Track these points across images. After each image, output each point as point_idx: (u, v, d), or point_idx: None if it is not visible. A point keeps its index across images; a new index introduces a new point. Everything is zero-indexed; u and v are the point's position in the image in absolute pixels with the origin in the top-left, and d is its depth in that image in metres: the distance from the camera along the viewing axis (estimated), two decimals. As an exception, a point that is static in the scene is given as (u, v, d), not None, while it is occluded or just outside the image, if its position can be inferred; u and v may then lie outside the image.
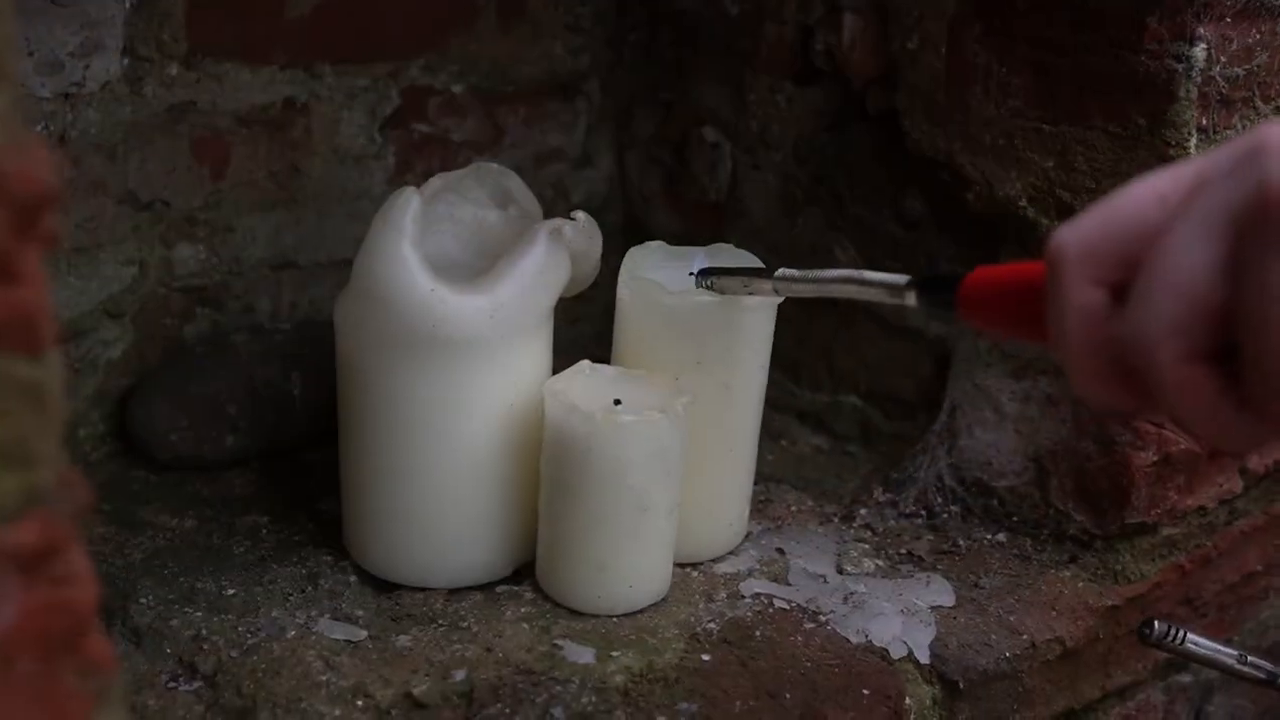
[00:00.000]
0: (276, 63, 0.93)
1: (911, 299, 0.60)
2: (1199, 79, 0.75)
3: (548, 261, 0.74)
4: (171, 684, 0.70)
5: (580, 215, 0.77)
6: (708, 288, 0.76)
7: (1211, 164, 0.42)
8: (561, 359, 0.79)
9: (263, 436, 0.91)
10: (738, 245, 0.83)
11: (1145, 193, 0.44)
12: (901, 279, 0.62)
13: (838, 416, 1.00)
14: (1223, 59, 0.76)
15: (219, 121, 0.93)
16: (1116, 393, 0.44)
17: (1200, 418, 0.41)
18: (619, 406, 0.73)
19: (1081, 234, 0.44)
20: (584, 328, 1.12)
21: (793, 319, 0.80)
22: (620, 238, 1.08)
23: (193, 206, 0.93)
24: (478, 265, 0.78)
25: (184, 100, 0.90)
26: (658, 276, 0.78)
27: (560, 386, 0.74)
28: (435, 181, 0.79)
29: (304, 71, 0.95)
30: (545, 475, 0.75)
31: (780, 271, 0.73)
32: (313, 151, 0.97)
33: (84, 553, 0.47)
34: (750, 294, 0.75)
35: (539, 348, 0.77)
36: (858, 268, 0.68)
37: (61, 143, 0.85)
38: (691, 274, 0.78)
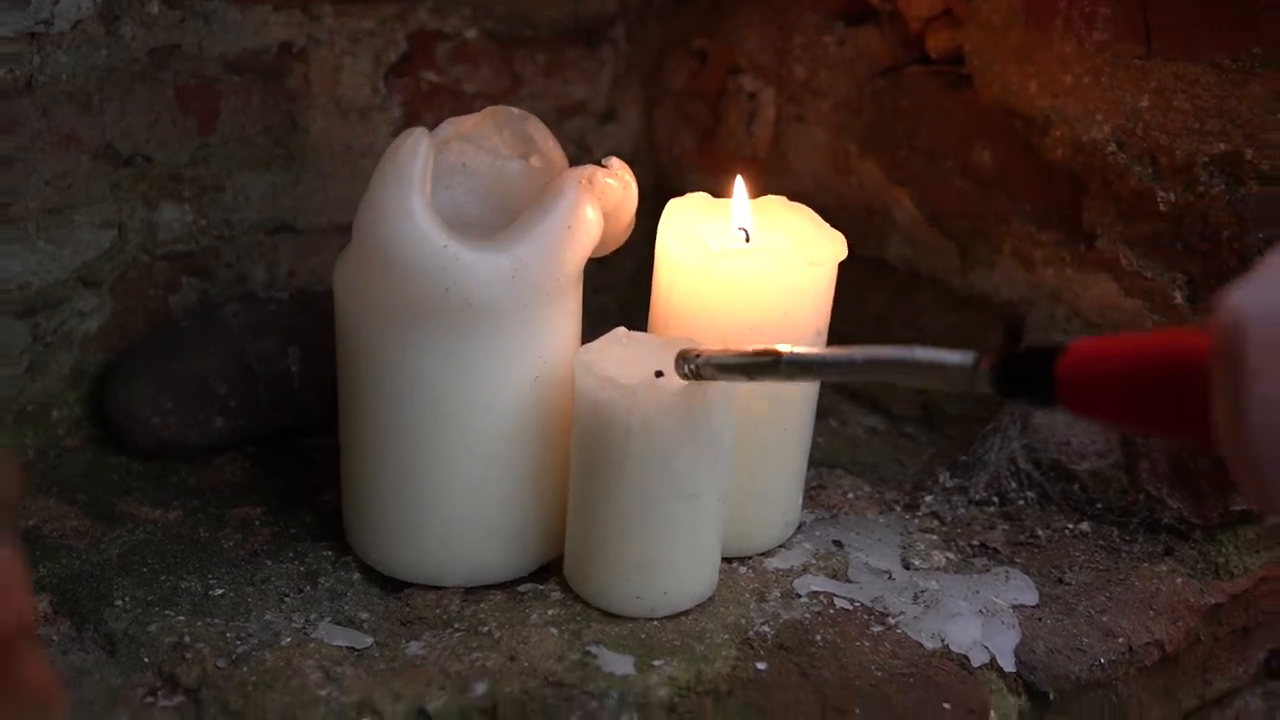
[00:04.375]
0: (271, 1, 0.84)
1: (984, 384, 0.46)
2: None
3: (577, 215, 0.65)
4: (149, 699, 0.61)
5: (614, 162, 0.67)
6: (691, 374, 0.61)
7: None
8: (585, 333, 0.70)
9: (256, 419, 0.83)
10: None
11: None
12: (964, 359, 0.47)
13: (894, 394, 0.91)
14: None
15: (206, 68, 0.84)
16: None
17: None
18: (661, 379, 0.64)
19: (1271, 301, 0.35)
20: (607, 299, 1.04)
21: (840, 284, 0.70)
22: (650, 199, 0.98)
23: (178, 163, 0.84)
24: (496, 223, 0.69)
25: (167, 43, 0.82)
26: (703, 233, 0.68)
27: (593, 357, 0.65)
28: (446, 128, 0.69)
29: (301, 11, 0.86)
30: (576, 458, 0.66)
31: (789, 355, 0.57)
32: (311, 103, 0.88)
33: (16, 557, 0.38)
34: (749, 380, 0.61)
35: (567, 314, 0.68)
36: (909, 347, 0.51)
37: (28, 89, 0.76)
38: (684, 356, 0.62)
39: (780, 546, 0.75)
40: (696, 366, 0.61)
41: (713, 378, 0.60)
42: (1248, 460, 0.36)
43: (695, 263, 0.68)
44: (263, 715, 0.59)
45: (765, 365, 0.57)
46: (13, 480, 0.36)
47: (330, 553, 0.72)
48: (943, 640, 0.67)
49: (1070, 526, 0.78)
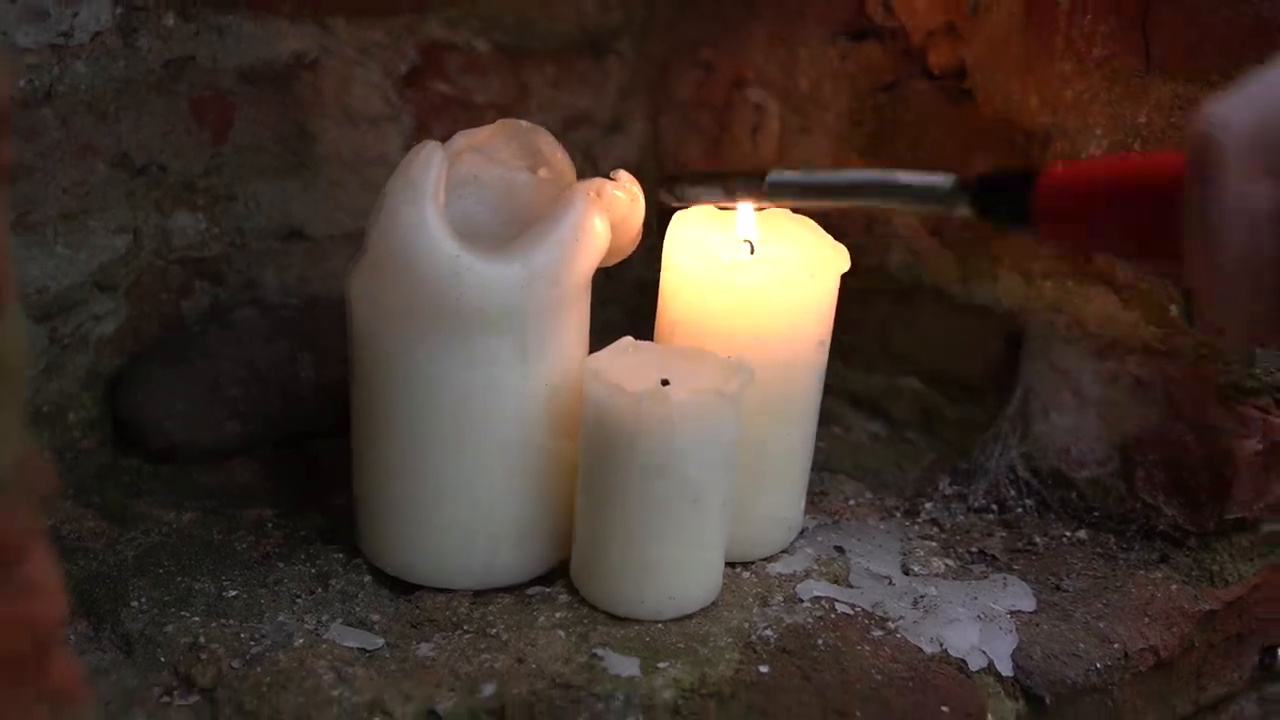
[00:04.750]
0: (283, 13, 0.86)
1: (964, 209, 0.47)
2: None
3: (586, 226, 0.67)
4: (165, 699, 0.62)
5: (622, 174, 0.69)
6: (676, 199, 0.65)
7: None
8: (593, 342, 0.71)
9: (268, 423, 0.84)
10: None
11: None
12: (946, 180, 0.48)
13: (895, 401, 0.92)
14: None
15: (220, 79, 0.85)
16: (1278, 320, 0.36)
17: None
18: (667, 386, 0.65)
19: (1246, 113, 0.35)
20: (613, 310, 1.05)
21: (842, 292, 0.72)
22: (655, 209, 1.00)
23: (192, 172, 0.86)
24: (506, 233, 0.70)
25: (182, 55, 0.83)
26: (708, 244, 0.70)
27: (601, 365, 0.66)
28: (459, 139, 0.71)
29: (314, 23, 0.87)
30: (584, 464, 0.67)
31: (774, 176, 0.59)
32: (323, 113, 0.90)
33: (49, 555, 0.39)
34: (733, 202, 0.63)
35: (575, 322, 0.69)
36: (891, 170, 0.53)
37: (48, 99, 0.77)
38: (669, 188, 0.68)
39: (783, 552, 0.76)
40: (683, 188, 0.62)
41: (698, 199, 0.61)
42: (1213, 271, 0.35)
43: (701, 273, 0.69)
44: (277, 715, 0.60)
45: (750, 184, 0.59)
46: (47, 479, 0.37)
47: (341, 555, 0.74)
48: (941, 645, 0.69)
49: (1068, 534, 0.79)
